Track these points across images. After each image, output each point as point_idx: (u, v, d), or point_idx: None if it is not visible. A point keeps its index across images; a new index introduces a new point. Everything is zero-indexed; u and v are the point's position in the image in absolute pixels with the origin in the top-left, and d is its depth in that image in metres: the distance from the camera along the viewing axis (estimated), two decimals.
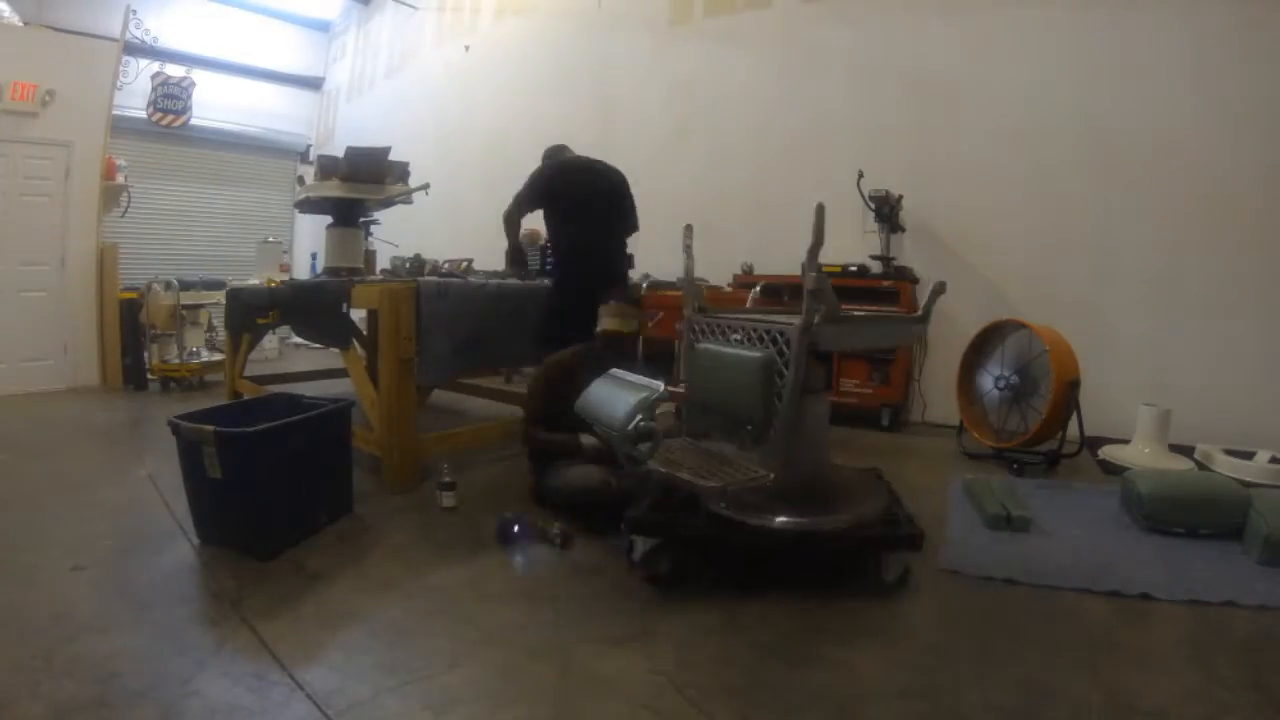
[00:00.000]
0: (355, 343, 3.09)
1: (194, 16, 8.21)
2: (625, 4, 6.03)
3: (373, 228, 4.26)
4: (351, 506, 2.60)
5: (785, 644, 1.71)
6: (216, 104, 8.40)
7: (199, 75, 8.17)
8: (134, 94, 7.58)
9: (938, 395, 4.35)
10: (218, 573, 2.07)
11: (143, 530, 2.41)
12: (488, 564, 2.17)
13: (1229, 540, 2.36)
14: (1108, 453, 3.46)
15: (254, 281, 5.19)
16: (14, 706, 1.40)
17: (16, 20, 5.46)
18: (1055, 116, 4.08)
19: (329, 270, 3.80)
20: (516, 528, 2.34)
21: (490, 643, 1.69)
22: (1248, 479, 2.89)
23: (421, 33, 8.15)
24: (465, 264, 4.34)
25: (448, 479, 2.68)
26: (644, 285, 4.72)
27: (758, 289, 4.04)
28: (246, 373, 4.43)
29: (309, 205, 4.03)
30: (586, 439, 2.56)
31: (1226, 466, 3.14)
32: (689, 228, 2.53)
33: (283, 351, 7.67)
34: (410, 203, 4.00)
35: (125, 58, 6.56)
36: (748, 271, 4.73)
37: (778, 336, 2.00)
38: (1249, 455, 3.17)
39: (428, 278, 3.50)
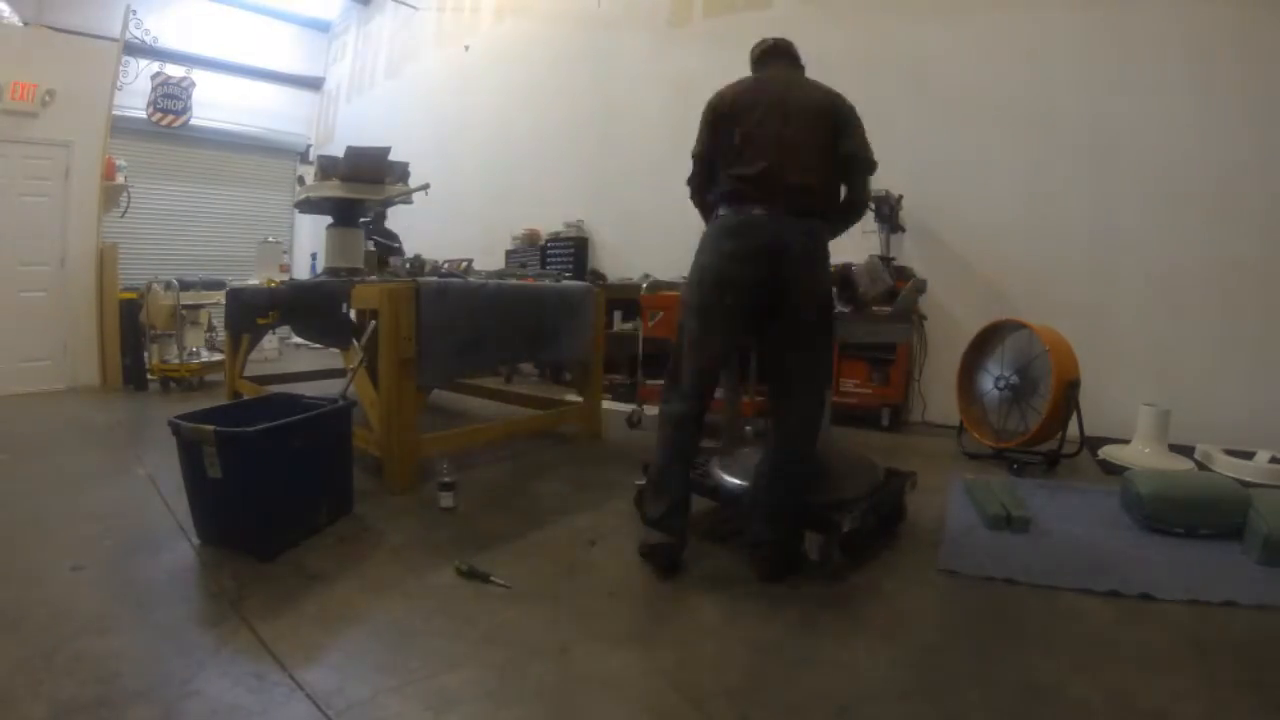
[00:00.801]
0: (355, 342, 3.09)
1: (194, 16, 8.23)
2: (625, 4, 6.04)
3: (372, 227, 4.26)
4: (351, 507, 2.60)
5: (785, 644, 1.71)
6: (216, 104, 8.41)
7: (199, 75, 8.18)
8: (134, 94, 7.59)
9: (938, 395, 4.35)
10: (218, 573, 2.07)
11: (143, 530, 2.41)
12: (488, 564, 2.16)
13: (1229, 540, 2.36)
14: (1108, 453, 3.46)
15: (254, 281, 5.19)
16: (14, 706, 1.40)
17: (16, 20, 5.46)
18: (1055, 116, 4.08)
19: (329, 270, 3.80)
20: None
21: (490, 643, 1.69)
22: (1248, 479, 2.89)
23: (421, 33, 8.16)
24: (465, 264, 4.35)
25: (447, 479, 2.66)
26: (644, 285, 4.72)
27: None
28: (246, 373, 4.44)
29: (309, 205, 4.03)
30: None
31: (1226, 466, 3.14)
32: None
33: (283, 351, 7.67)
34: (410, 203, 4.00)
35: (125, 58, 6.57)
36: None
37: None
38: (1249, 455, 3.18)
39: (428, 278, 3.50)
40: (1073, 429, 3.31)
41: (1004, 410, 3.51)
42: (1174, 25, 3.76)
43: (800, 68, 2.43)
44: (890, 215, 4.30)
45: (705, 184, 2.28)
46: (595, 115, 6.25)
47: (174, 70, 7.97)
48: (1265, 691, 1.51)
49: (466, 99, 7.51)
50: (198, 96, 8.17)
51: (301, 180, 5.27)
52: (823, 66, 4.96)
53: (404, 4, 8.06)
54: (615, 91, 6.12)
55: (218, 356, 5.41)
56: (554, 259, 6.20)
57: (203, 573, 2.10)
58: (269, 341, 6.97)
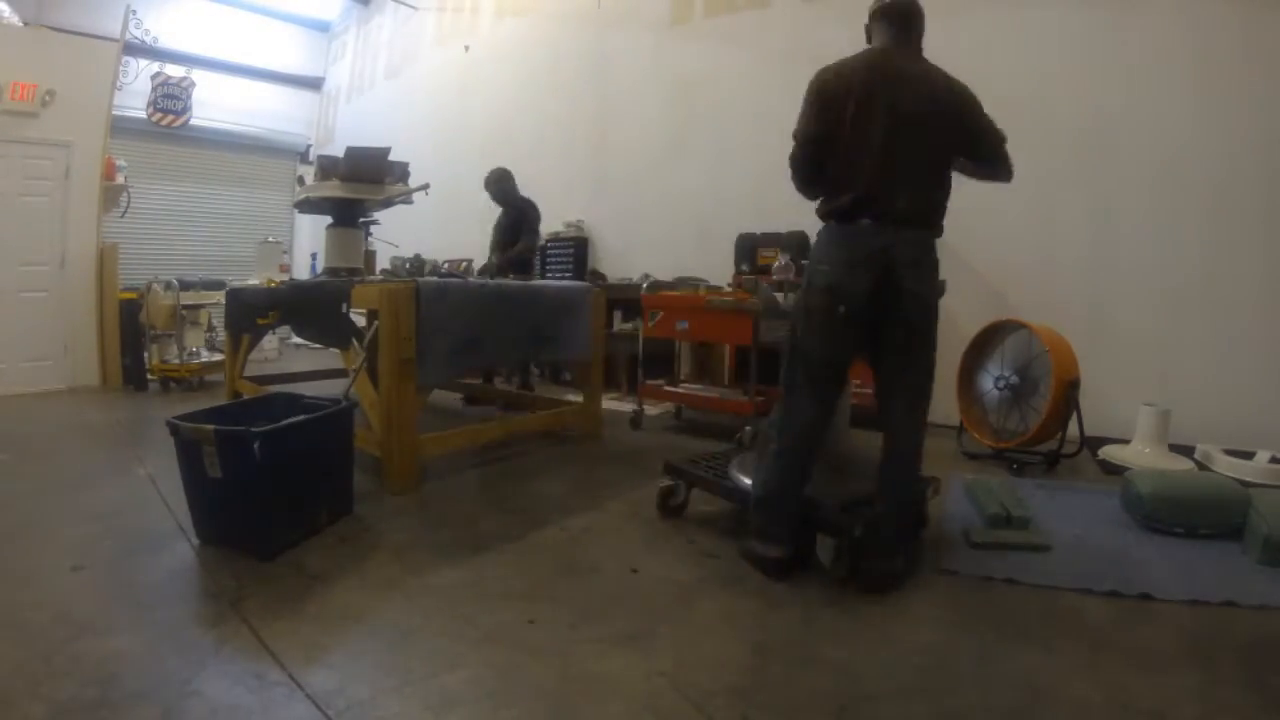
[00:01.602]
0: (355, 343, 3.09)
1: (194, 16, 8.23)
2: (625, 4, 6.04)
3: (372, 228, 4.26)
4: (352, 507, 2.60)
5: (785, 644, 1.71)
6: (216, 104, 8.41)
7: (199, 75, 8.18)
8: (134, 94, 7.59)
9: (937, 395, 4.34)
10: (218, 573, 2.07)
11: (143, 530, 2.41)
12: (488, 564, 2.16)
13: (1229, 540, 2.36)
14: (1108, 453, 3.46)
15: (254, 282, 5.19)
16: (14, 706, 1.40)
17: (16, 20, 5.47)
18: (1055, 116, 4.08)
19: (329, 270, 3.80)
20: None
21: (490, 643, 1.69)
22: (1248, 479, 2.89)
23: (421, 33, 8.16)
24: (465, 264, 4.35)
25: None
26: (644, 285, 4.72)
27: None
28: (246, 373, 4.44)
29: (309, 205, 4.03)
30: None
31: (1226, 466, 3.14)
32: None
33: (283, 351, 7.67)
34: (410, 203, 4.00)
35: (125, 58, 6.57)
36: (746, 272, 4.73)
37: None
38: (1249, 455, 3.17)
39: (428, 278, 3.50)
40: (1072, 429, 3.31)
41: (1004, 410, 3.52)
42: (1174, 25, 3.76)
43: (915, 38, 2.30)
44: None
45: (813, 171, 2.10)
46: (595, 115, 6.25)
47: (174, 70, 7.98)
48: (1265, 691, 1.51)
49: (466, 99, 7.51)
50: (198, 96, 8.17)
51: (301, 180, 5.28)
52: (823, 66, 4.97)
53: (404, 4, 8.06)
54: (615, 91, 6.12)
55: (218, 356, 5.41)
56: (554, 259, 6.20)
57: (203, 573, 2.10)
58: (269, 341, 6.97)
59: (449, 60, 7.76)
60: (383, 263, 4.44)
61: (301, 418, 2.38)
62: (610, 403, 4.61)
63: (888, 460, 2.09)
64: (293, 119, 9.41)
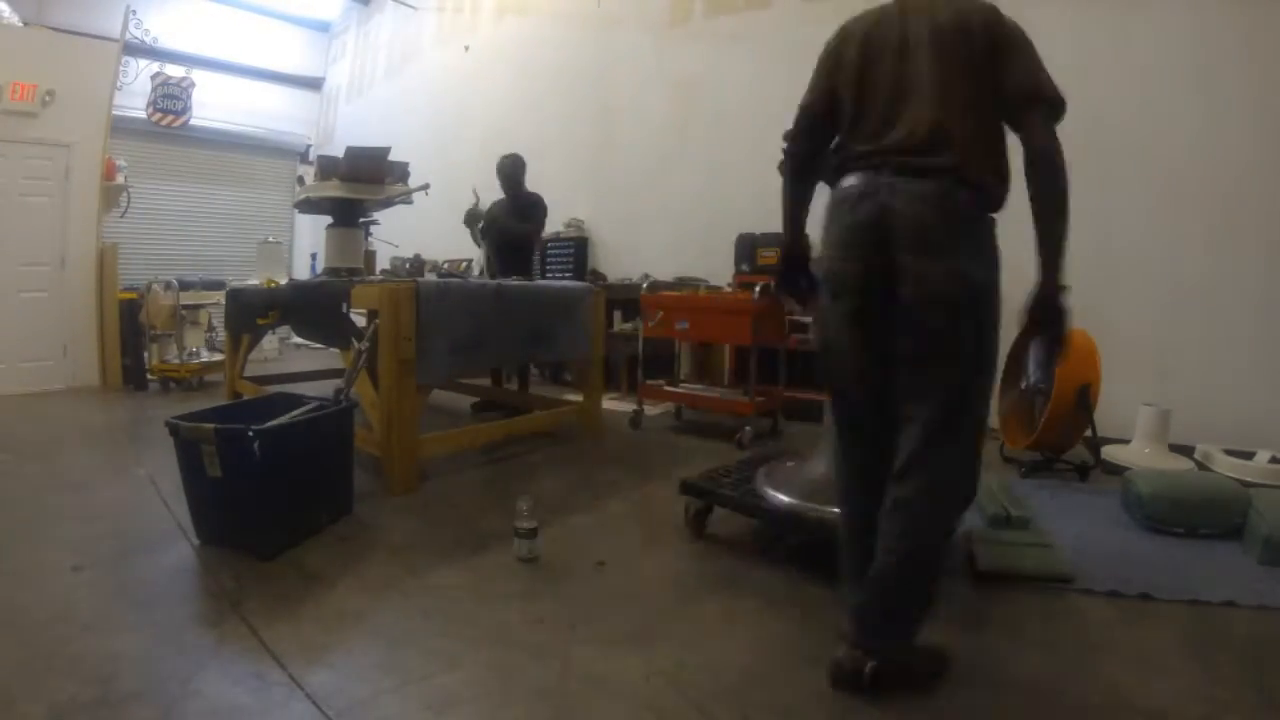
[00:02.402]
0: (355, 343, 3.09)
1: (194, 16, 8.23)
2: (625, 5, 6.03)
3: (372, 228, 4.27)
4: (352, 507, 2.60)
5: (785, 644, 1.71)
6: (216, 104, 8.41)
7: (199, 75, 8.18)
8: (134, 94, 7.59)
9: None
10: (218, 573, 2.07)
11: (143, 530, 2.41)
12: (488, 564, 2.16)
13: (1229, 540, 2.36)
14: (1108, 453, 3.45)
15: (254, 282, 5.19)
16: (14, 706, 1.40)
17: (16, 20, 5.46)
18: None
19: (329, 270, 3.80)
20: None
21: (490, 643, 1.69)
22: (1248, 479, 2.89)
23: (421, 33, 8.16)
24: (465, 264, 4.35)
25: (526, 524, 2.18)
26: (644, 285, 4.72)
27: (759, 287, 4.04)
28: (246, 373, 4.44)
29: (309, 205, 4.04)
30: None
31: (1226, 466, 3.14)
32: None
33: (283, 351, 7.67)
34: (410, 203, 4.00)
35: (125, 58, 6.56)
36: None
37: None
38: (1249, 455, 3.17)
39: (428, 278, 3.50)
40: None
41: (1035, 413, 3.44)
42: (1175, 25, 3.76)
43: None
44: None
45: (805, 145, 1.68)
46: (595, 115, 6.25)
47: (174, 70, 7.97)
48: (1265, 691, 1.51)
49: (466, 99, 7.50)
50: (198, 96, 8.17)
51: (301, 180, 5.28)
52: None
53: (404, 4, 8.06)
54: (615, 91, 6.11)
55: (218, 356, 5.41)
56: (554, 259, 6.20)
57: (203, 573, 2.10)
58: (269, 341, 6.97)
59: (449, 60, 7.76)
60: (383, 263, 4.45)
61: (301, 417, 2.38)
62: (610, 403, 4.61)
63: (889, 513, 1.46)
64: (293, 119, 9.40)
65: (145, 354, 5.42)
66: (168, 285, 5.41)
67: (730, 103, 5.32)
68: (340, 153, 3.64)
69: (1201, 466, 3.23)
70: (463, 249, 5.72)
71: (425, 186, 3.95)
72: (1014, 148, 1.60)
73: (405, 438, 2.88)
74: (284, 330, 6.33)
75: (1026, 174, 1.55)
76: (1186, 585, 2.02)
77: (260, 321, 4.15)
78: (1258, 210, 3.59)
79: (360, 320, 3.27)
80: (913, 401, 1.46)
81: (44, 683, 1.47)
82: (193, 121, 8.20)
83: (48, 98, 5.13)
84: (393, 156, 3.73)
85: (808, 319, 2.82)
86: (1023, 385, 3.48)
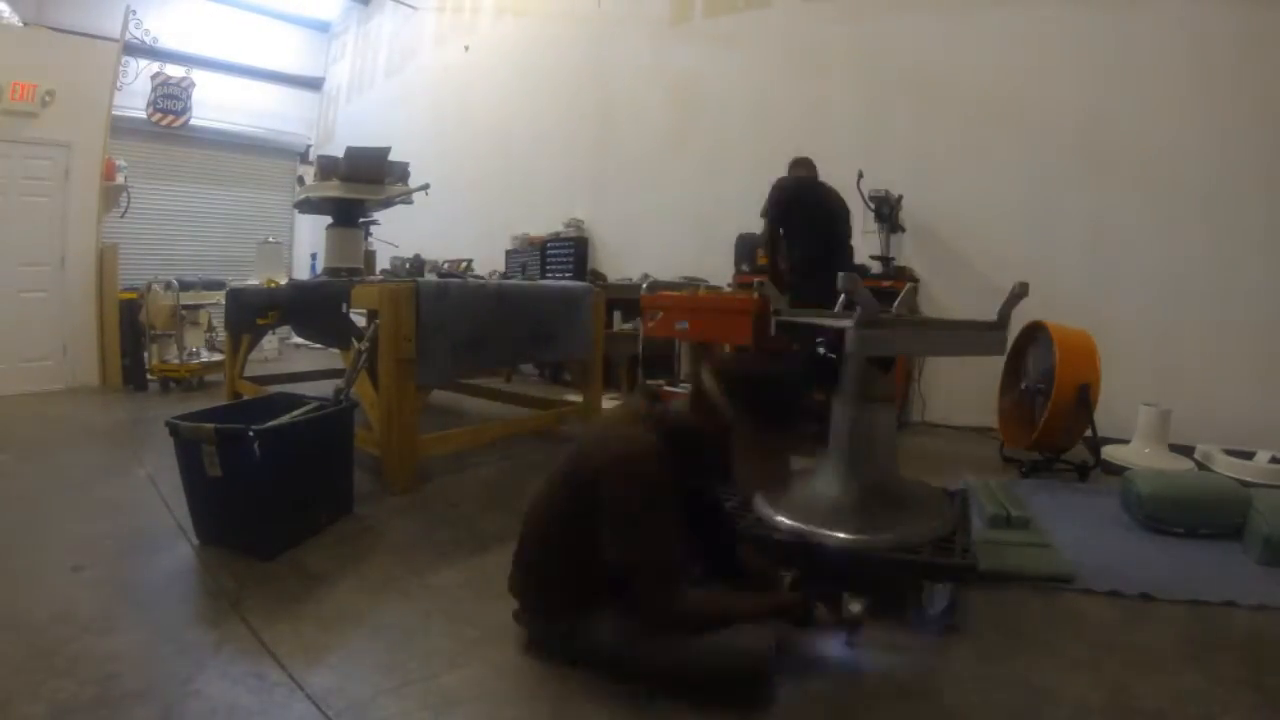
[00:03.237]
0: (356, 343, 3.09)
1: (194, 16, 8.22)
2: (625, 4, 6.03)
3: (372, 228, 4.26)
4: (352, 507, 2.60)
5: (785, 644, 1.71)
6: (216, 104, 8.40)
7: (199, 75, 8.17)
8: (134, 94, 7.58)
9: (937, 395, 4.36)
10: (218, 573, 2.07)
11: (143, 530, 2.41)
12: (488, 564, 2.16)
13: (1229, 540, 2.36)
14: (1108, 453, 3.45)
15: (254, 282, 5.19)
16: (14, 706, 1.40)
17: (16, 20, 5.46)
18: (1055, 116, 4.08)
19: (329, 270, 3.80)
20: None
21: (490, 643, 1.69)
22: (1248, 479, 2.89)
23: (421, 33, 8.16)
24: (465, 264, 4.35)
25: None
26: (644, 285, 4.72)
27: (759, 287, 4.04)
28: (246, 373, 4.44)
29: (309, 205, 4.04)
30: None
31: (1226, 466, 3.14)
32: None
33: (283, 351, 7.67)
34: (410, 203, 4.00)
35: (125, 58, 6.56)
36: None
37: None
38: (1249, 455, 3.17)
39: (428, 278, 3.50)
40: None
41: (1035, 414, 3.43)
42: (1174, 25, 3.76)
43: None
44: (890, 215, 4.30)
45: None
46: (595, 115, 6.25)
47: (174, 70, 7.96)
48: (1265, 691, 1.51)
49: (466, 99, 7.50)
50: (198, 96, 8.16)
51: (301, 180, 5.27)
52: (823, 66, 5.01)
53: (404, 4, 8.06)
54: (615, 91, 6.11)
55: (218, 357, 5.41)
56: (554, 259, 6.20)
57: (203, 573, 2.10)
58: (269, 341, 6.96)
59: (449, 60, 7.75)
60: (383, 263, 4.44)
61: (301, 417, 2.38)
62: (610, 403, 4.60)
63: None
64: (293, 119, 9.40)
65: (145, 354, 5.42)
66: (168, 285, 5.41)
67: (730, 103, 5.32)
68: (340, 153, 3.64)
69: (1201, 466, 3.23)
70: (463, 249, 5.72)
71: (425, 186, 3.95)
72: None
73: (405, 438, 2.88)
74: (284, 330, 6.33)
75: None
76: (1186, 585, 2.02)
77: (260, 321, 4.15)
78: (1258, 210, 3.59)
79: (360, 320, 3.27)
80: None
81: (44, 683, 1.47)
82: (193, 121, 8.19)
83: (48, 98, 5.12)
84: (393, 156, 3.73)
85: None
86: (1023, 385, 3.48)
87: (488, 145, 7.19)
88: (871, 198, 4.28)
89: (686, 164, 5.52)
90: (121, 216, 5.99)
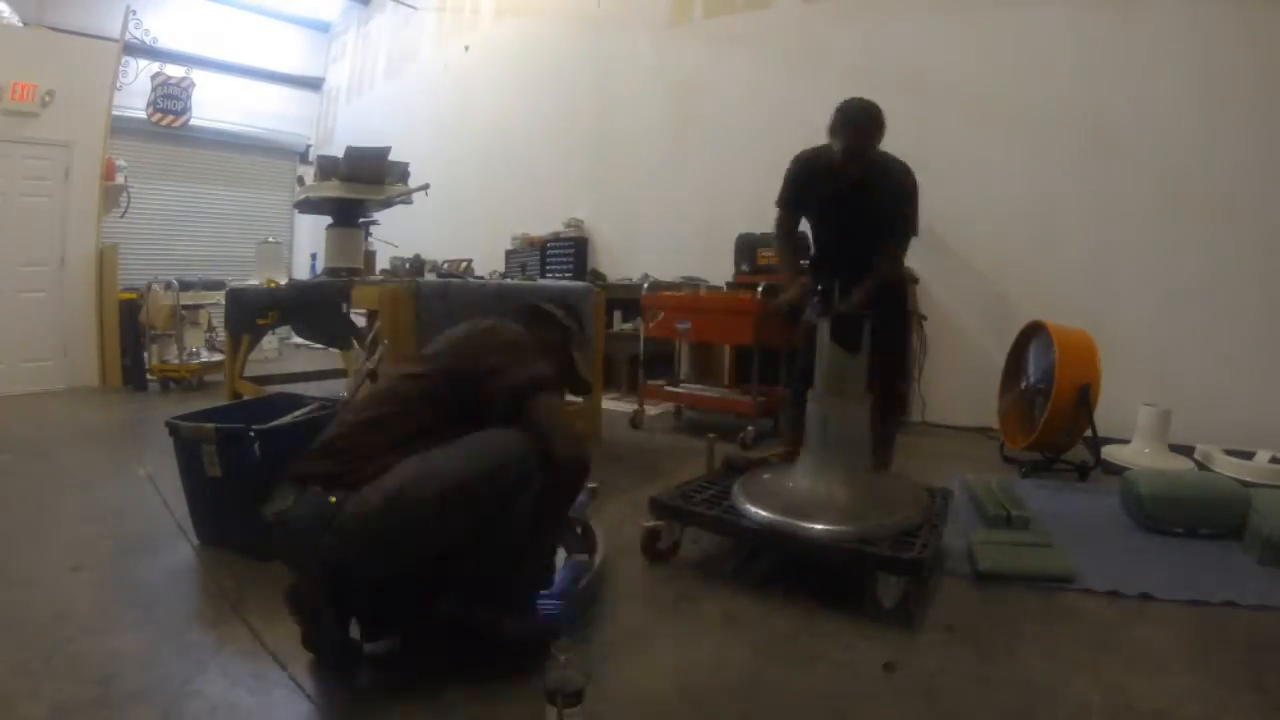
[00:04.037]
0: (355, 343, 3.09)
1: (194, 16, 8.21)
2: (625, 4, 6.03)
3: (372, 228, 4.27)
4: None
5: (785, 644, 1.71)
6: (216, 104, 8.40)
7: (199, 75, 8.16)
8: (134, 94, 7.57)
9: (937, 395, 4.36)
10: (218, 573, 2.07)
11: (143, 530, 2.41)
12: None
13: (1229, 540, 2.36)
14: (1108, 453, 3.45)
15: (254, 282, 5.19)
16: (14, 706, 1.40)
17: (16, 20, 5.46)
18: (1056, 116, 4.08)
19: (329, 270, 3.80)
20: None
21: (490, 643, 1.69)
22: (1248, 479, 2.88)
23: (421, 33, 8.15)
24: (465, 264, 4.35)
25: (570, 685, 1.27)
26: (645, 285, 4.72)
27: (760, 288, 4.04)
28: (246, 373, 4.44)
29: (309, 205, 4.04)
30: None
31: (1226, 466, 3.14)
32: None
33: (283, 351, 7.67)
34: (410, 203, 4.00)
35: (125, 58, 6.56)
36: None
37: None
38: (1249, 455, 3.17)
39: (428, 277, 3.50)
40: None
41: (1035, 413, 3.44)
42: (1175, 25, 3.76)
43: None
44: None
45: None
46: (595, 115, 6.25)
47: (174, 70, 7.96)
48: (1265, 691, 1.51)
49: (466, 99, 7.50)
50: (198, 96, 8.15)
51: (301, 180, 5.28)
52: (823, 66, 5.01)
53: (404, 4, 8.06)
54: (615, 91, 6.11)
55: (218, 357, 5.41)
56: (554, 259, 6.20)
57: (203, 573, 2.10)
58: (269, 341, 6.96)
59: (449, 60, 7.75)
60: (383, 263, 4.45)
61: (302, 417, 2.38)
62: (610, 403, 4.61)
63: None
64: (293, 119, 9.39)
65: (145, 354, 5.42)
66: (168, 285, 5.41)
67: (730, 103, 5.32)
68: (340, 153, 3.64)
69: (1201, 466, 3.23)
70: (462, 249, 5.72)
71: (425, 186, 3.95)
72: None
73: None
74: (284, 330, 6.33)
75: None
76: (1186, 585, 2.02)
77: (260, 321, 4.16)
78: (1257, 210, 3.59)
79: (360, 320, 3.27)
80: None
81: (44, 683, 1.47)
82: (193, 121, 8.19)
83: (48, 98, 5.12)
84: (393, 156, 3.73)
85: None
86: (1022, 385, 3.48)
87: (487, 145, 7.19)
88: None
89: (686, 164, 5.52)
90: (121, 216, 5.99)
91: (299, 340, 7.41)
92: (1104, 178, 3.96)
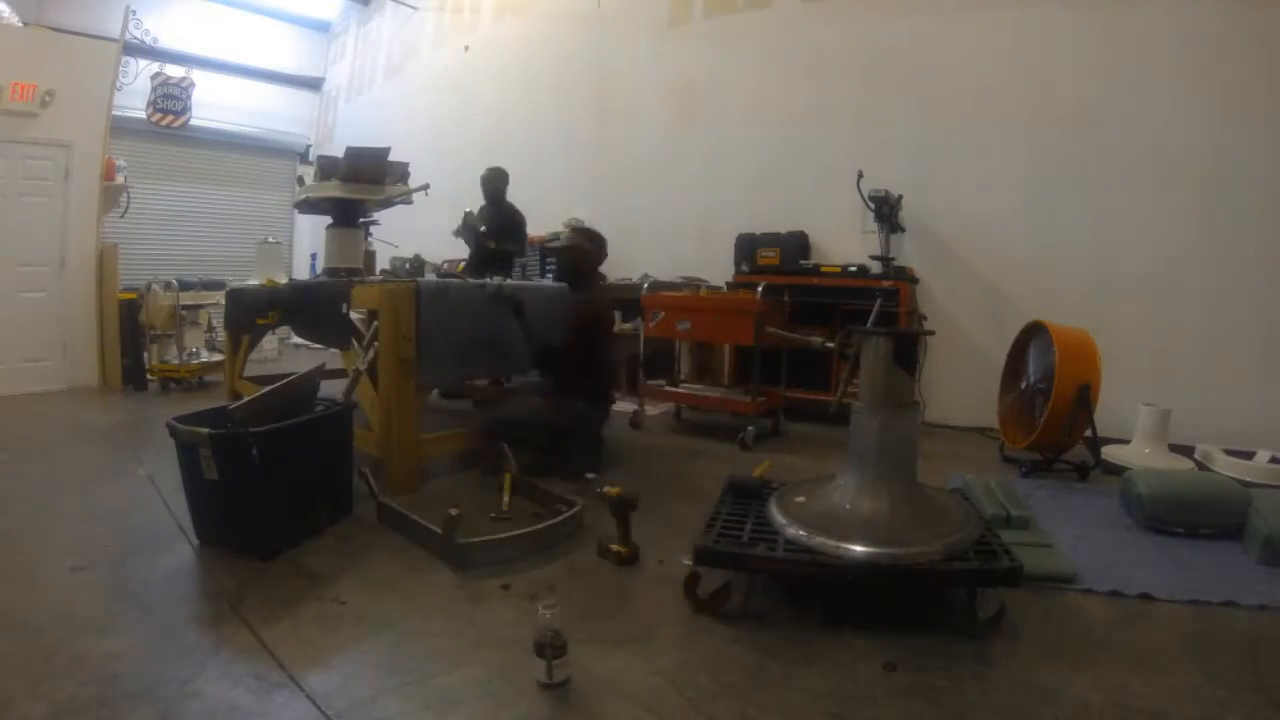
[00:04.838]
0: (355, 343, 3.09)
1: (193, 16, 8.21)
2: (624, 4, 6.03)
3: (372, 228, 4.26)
4: (352, 507, 2.60)
5: (785, 644, 1.71)
6: (216, 104, 8.40)
7: (199, 75, 8.16)
8: (134, 94, 7.57)
9: (937, 395, 4.35)
10: (218, 573, 2.07)
11: (143, 530, 2.41)
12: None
13: (1229, 540, 2.36)
14: (1108, 453, 3.45)
15: (254, 282, 5.19)
16: (14, 706, 1.40)
17: (16, 20, 5.46)
18: (1055, 116, 4.08)
19: (329, 271, 3.80)
20: None
21: (490, 643, 1.69)
22: (1248, 479, 2.89)
23: (421, 33, 8.15)
24: (465, 264, 4.35)
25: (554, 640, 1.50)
26: (644, 285, 4.72)
27: (760, 288, 4.05)
28: (246, 373, 4.43)
29: (309, 205, 4.03)
30: None
31: (1226, 466, 3.14)
32: None
33: (283, 351, 7.66)
34: (410, 203, 4.00)
35: (125, 58, 6.56)
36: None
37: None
38: (1249, 455, 3.17)
39: (428, 278, 3.50)
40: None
41: (1035, 413, 3.43)
42: (1174, 24, 3.76)
43: None
44: (890, 215, 4.30)
45: None
46: (595, 115, 6.25)
47: (174, 70, 7.96)
48: (1265, 691, 1.51)
49: (466, 99, 7.50)
50: (197, 97, 8.16)
51: (301, 180, 5.28)
52: (822, 66, 5.01)
53: (404, 4, 8.06)
54: (615, 91, 6.11)
55: (217, 357, 5.41)
56: (553, 259, 6.19)
57: (203, 573, 2.10)
58: (269, 341, 6.96)
59: (449, 60, 7.75)
60: (383, 263, 4.44)
61: (300, 418, 2.38)
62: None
63: None
64: (293, 119, 9.39)
65: (145, 354, 5.42)
66: (168, 285, 5.41)
67: (729, 103, 5.32)
68: (340, 153, 3.64)
69: (1201, 466, 3.23)
70: (463, 249, 5.72)
71: (425, 187, 3.95)
72: None
73: (405, 438, 2.88)
74: (284, 330, 6.32)
75: None
76: (1186, 585, 2.02)
77: (260, 322, 4.15)
78: (1258, 210, 3.59)
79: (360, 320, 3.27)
80: None
81: (44, 683, 1.47)
82: (192, 122, 8.19)
83: (48, 98, 5.12)
84: (392, 156, 3.73)
85: None
86: (1022, 385, 3.48)
87: (487, 145, 7.18)
88: (871, 198, 4.28)
89: (686, 164, 5.52)
90: (121, 216, 5.98)
91: (299, 340, 7.41)
92: (1104, 177, 3.96)
